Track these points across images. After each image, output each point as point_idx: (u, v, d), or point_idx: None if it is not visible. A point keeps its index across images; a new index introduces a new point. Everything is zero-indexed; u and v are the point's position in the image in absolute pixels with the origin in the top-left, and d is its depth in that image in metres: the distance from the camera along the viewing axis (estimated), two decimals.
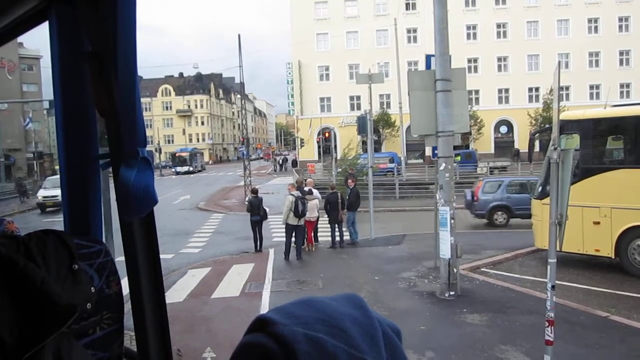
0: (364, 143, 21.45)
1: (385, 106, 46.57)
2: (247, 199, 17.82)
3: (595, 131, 10.20)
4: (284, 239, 12.77)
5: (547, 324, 4.95)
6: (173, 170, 57.35)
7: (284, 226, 12.72)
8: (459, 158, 32.09)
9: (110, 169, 1.05)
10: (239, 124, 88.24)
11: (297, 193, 12.59)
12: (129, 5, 0.88)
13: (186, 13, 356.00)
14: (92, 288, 0.94)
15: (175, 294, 9.68)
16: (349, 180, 15.27)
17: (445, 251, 8.60)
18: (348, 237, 14.20)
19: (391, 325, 0.57)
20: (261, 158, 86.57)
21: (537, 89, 46.62)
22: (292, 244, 12.62)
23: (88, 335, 0.96)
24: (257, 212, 13.47)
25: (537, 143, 13.39)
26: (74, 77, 1.07)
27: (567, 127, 9.69)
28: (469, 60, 45.77)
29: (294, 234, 12.53)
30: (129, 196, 0.94)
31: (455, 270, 8.66)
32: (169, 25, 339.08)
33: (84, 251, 0.97)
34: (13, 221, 1.97)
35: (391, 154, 37.33)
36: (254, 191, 14.48)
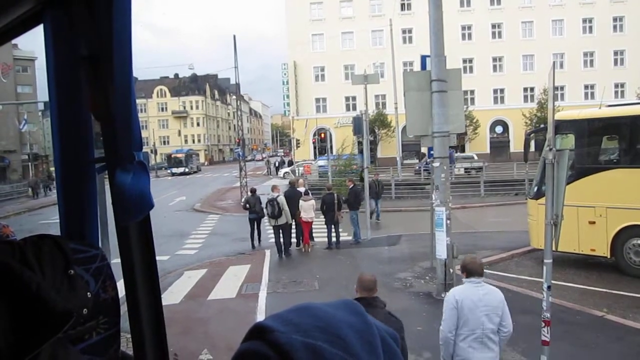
0: (360, 144, 21.46)
1: (380, 106, 46.49)
2: (244, 198, 18.30)
3: (590, 131, 10.23)
4: None
5: (543, 324, 4.96)
6: (169, 171, 57.29)
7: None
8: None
9: (106, 173, 1.05)
10: (234, 125, 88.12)
11: (271, 195, 12.91)
12: (124, 8, 0.88)
13: (196, 15, 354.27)
14: (88, 293, 0.93)
15: (172, 296, 9.66)
16: (347, 180, 15.35)
17: (441, 251, 8.61)
18: (351, 237, 14.26)
19: (389, 332, 0.57)
20: (255, 160, 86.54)
21: (532, 89, 46.61)
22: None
23: (84, 340, 0.95)
24: (254, 210, 14.02)
25: (532, 143, 13.38)
26: (69, 80, 1.06)
27: (562, 127, 9.74)
28: (464, 61, 45.86)
29: (280, 234, 12.85)
30: (125, 200, 0.94)
31: (451, 270, 8.67)
32: (179, 27, 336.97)
33: (80, 256, 0.96)
34: (8, 225, 1.95)
35: None
36: (252, 190, 14.93)
